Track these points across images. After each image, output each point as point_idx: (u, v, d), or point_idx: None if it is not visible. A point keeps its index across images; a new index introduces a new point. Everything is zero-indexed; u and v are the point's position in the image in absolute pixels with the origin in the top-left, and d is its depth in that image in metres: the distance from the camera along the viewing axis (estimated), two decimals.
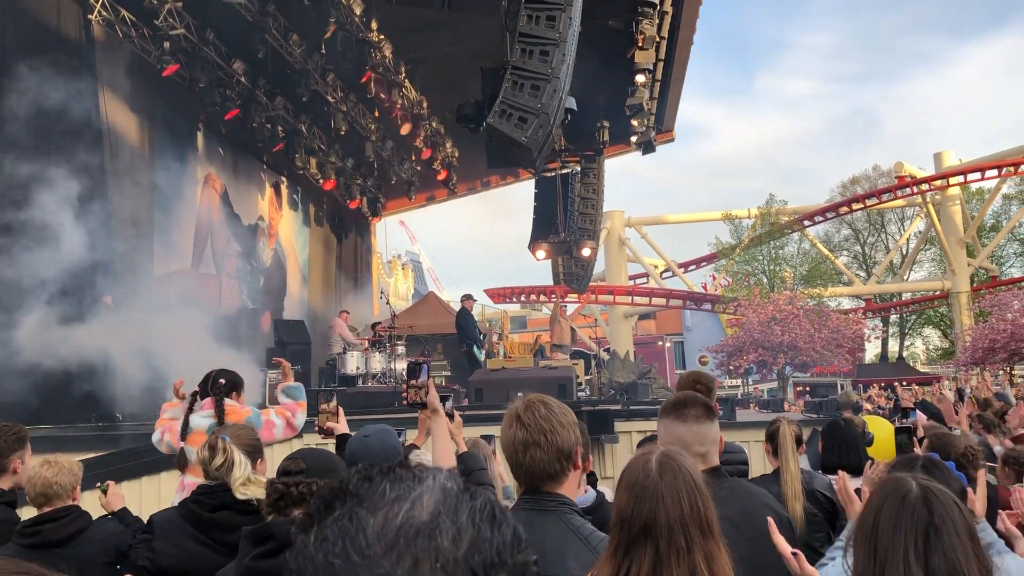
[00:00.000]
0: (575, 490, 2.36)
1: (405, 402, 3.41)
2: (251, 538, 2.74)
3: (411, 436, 4.32)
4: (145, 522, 3.45)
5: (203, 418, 4.58)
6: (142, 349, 10.33)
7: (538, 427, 2.27)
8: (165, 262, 14.59)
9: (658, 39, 15.87)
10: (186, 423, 4.63)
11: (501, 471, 4.26)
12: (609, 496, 3.40)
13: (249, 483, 3.20)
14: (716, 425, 2.71)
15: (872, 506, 1.90)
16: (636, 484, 1.97)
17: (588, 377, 16.09)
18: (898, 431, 5.20)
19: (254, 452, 3.49)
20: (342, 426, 3.95)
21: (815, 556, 3.76)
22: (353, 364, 14.02)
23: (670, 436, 2.68)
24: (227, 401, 4.65)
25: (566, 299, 36.73)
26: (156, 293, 12.42)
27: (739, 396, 27.85)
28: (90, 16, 12.46)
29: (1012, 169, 35.99)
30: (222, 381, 4.70)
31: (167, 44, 13.37)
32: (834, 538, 3.86)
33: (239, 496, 3.18)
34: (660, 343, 42.94)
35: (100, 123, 12.43)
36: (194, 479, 3.86)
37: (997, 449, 6.55)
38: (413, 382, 3.39)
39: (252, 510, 3.15)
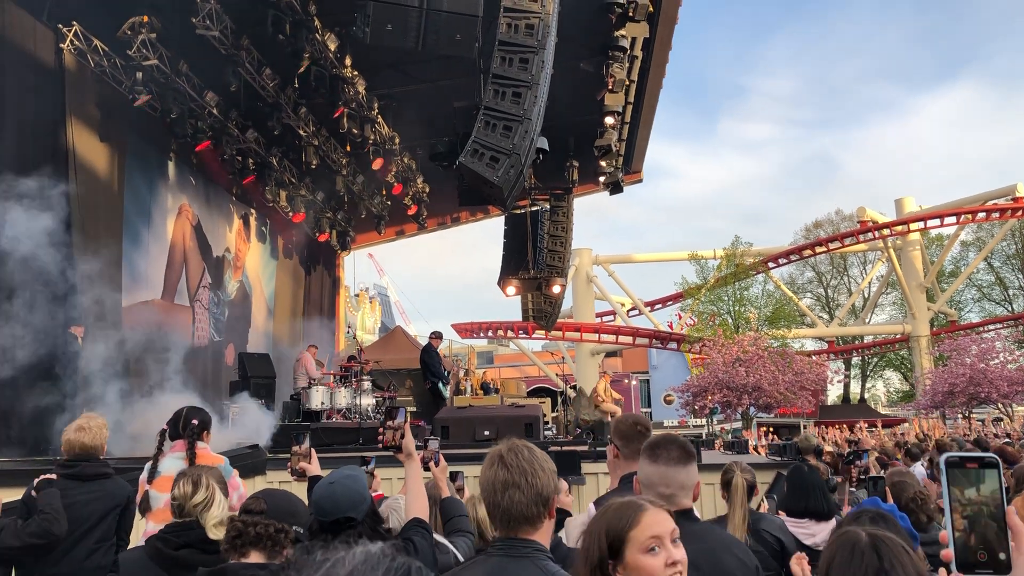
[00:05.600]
0: (549, 538, 2.37)
1: (381, 444, 3.40)
2: None
3: (383, 473, 4.30)
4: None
5: (175, 460, 4.49)
6: (107, 382, 10.16)
7: (520, 469, 2.29)
8: (134, 292, 14.39)
9: (628, 83, 16.15)
10: (155, 465, 4.54)
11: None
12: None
13: (223, 525, 3.20)
14: (691, 469, 2.74)
15: (825, 559, 1.95)
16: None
17: (555, 415, 16.08)
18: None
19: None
20: (314, 468, 3.92)
21: None
22: (318, 399, 13.88)
23: (642, 474, 2.77)
24: (198, 444, 4.57)
25: (533, 335, 36.78)
26: (124, 324, 12.24)
27: (704, 436, 27.98)
28: (62, 45, 12.41)
29: (970, 217, 36.89)
30: (195, 422, 4.61)
31: (139, 74, 13.32)
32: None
33: (212, 536, 3.16)
34: (626, 381, 43.07)
35: (68, 151, 12.33)
36: (156, 525, 3.81)
37: None
38: (390, 423, 3.38)
39: (216, 550, 3.13)
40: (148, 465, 4.63)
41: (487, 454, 2.40)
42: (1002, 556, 1.31)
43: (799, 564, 3.04)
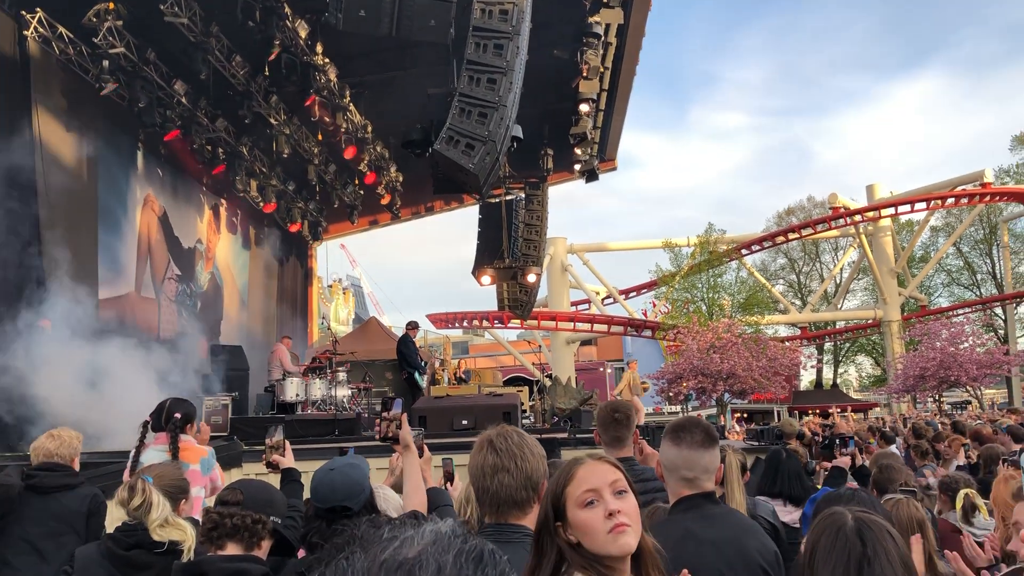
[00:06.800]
0: None
1: (377, 435, 3.37)
2: (182, 574, 2.68)
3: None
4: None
5: (157, 452, 4.40)
6: (77, 376, 9.97)
7: (509, 452, 2.28)
8: (115, 284, 14.19)
9: (602, 69, 16.11)
10: (136, 457, 4.46)
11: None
12: None
13: (167, 525, 3.21)
14: (714, 452, 2.71)
15: (810, 540, 1.92)
16: None
17: (532, 404, 16.07)
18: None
19: (177, 493, 3.48)
20: (288, 460, 3.87)
21: None
22: (292, 391, 13.75)
23: (663, 457, 2.74)
24: (183, 436, 4.49)
25: (508, 324, 36.73)
26: (98, 318, 12.04)
27: None
28: (26, 32, 12.13)
29: (939, 202, 37.27)
30: (178, 416, 4.53)
31: (106, 63, 13.09)
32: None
33: (155, 538, 3.17)
34: (601, 369, 43.20)
35: (34, 140, 12.07)
36: None
37: (931, 480, 6.72)
38: (385, 415, 3.35)
39: (166, 550, 3.15)
40: (131, 455, 4.54)
41: (476, 439, 2.37)
42: None
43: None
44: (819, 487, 5.70)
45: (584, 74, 15.52)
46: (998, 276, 46.37)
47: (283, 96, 16.55)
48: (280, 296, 22.65)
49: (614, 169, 23.50)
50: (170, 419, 4.50)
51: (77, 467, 4.42)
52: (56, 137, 12.79)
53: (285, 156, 17.51)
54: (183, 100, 14.86)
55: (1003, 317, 42.80)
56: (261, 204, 19.29)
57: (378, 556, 0.83)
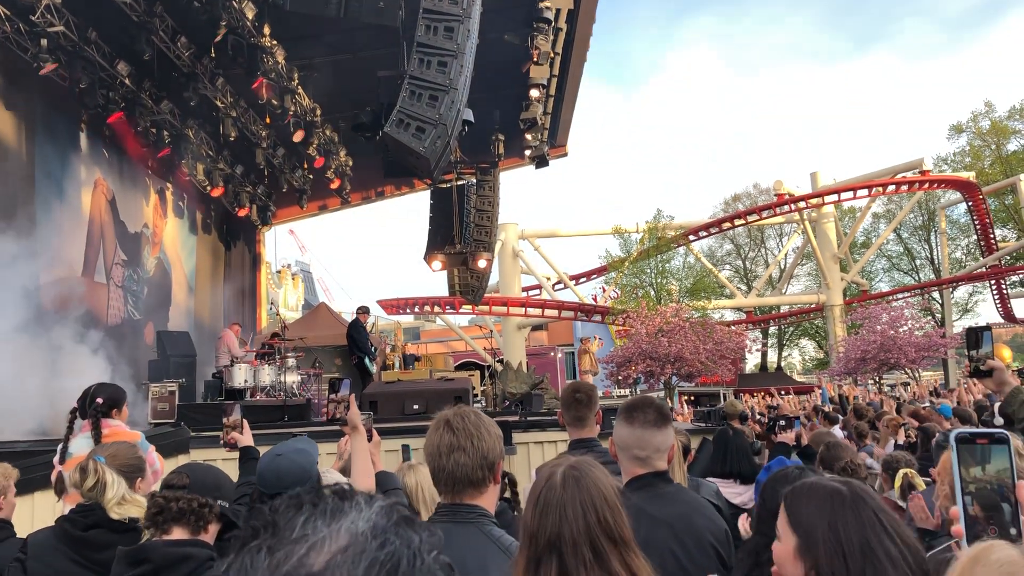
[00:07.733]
0: (494, 504, 2.37)
1: (325, 417, 3.38)
2: (126, 559, 2.65)
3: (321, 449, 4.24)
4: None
5: (86, 440, 4.28)
6: (22, 362, 9.75)
7: (466, 432, 2.30)
8: (49, 268, 13.84)
9: (552, 55, 16.14)
10: (65, 446, 4.35)
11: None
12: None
13: (125, 502, 3.14)
14: (667, 431, 2.75)
15: (820, 521, 1.71)
16: (540, 499, 1.94)
17: (483, 388, 16.13)
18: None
19: (133, 471, 3.38)
20: (246, 438, 3.86)
21: None
22: (241, 377, 13.61)
23: (617, 437, 2.78)
24: (110, 422, 4.37)
25: (460, 310, 36.71)
26: (39, 303, 11.75)
27: None
28: None
29: (880, 189, 38.10)
30: (99, 400, 4.37)
31: (44, 42, 12.72)
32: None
33: (114, 517, 3.10)
34: (552, 354, 43.36)
35: None
36: (71, 506, 3.67)
37: (869, 462, 6.95)
38: (334, 396, 3.36)
39: (126, 528, 3.08)
40: (60, 446, 4.43)
41: (433, 419, 2.40)
42: (1013, 532, 1.31)
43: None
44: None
45: (535, 59, 15.55)
46: (936, 261, 47.64)
47: (230, 79, 16.24)
48: (228, 282, 22.34)
49: (565, 155, 23.57)
50: (92, 404, 4.38)
51: (9, 502, 3.98)
52: None
53: (232, 139, 17.22)
54: (126, 81, 14.52)
55: (940, 301, 43.99)
56: (208, 188, 18.98)
57: (280, 566, 0.73)
